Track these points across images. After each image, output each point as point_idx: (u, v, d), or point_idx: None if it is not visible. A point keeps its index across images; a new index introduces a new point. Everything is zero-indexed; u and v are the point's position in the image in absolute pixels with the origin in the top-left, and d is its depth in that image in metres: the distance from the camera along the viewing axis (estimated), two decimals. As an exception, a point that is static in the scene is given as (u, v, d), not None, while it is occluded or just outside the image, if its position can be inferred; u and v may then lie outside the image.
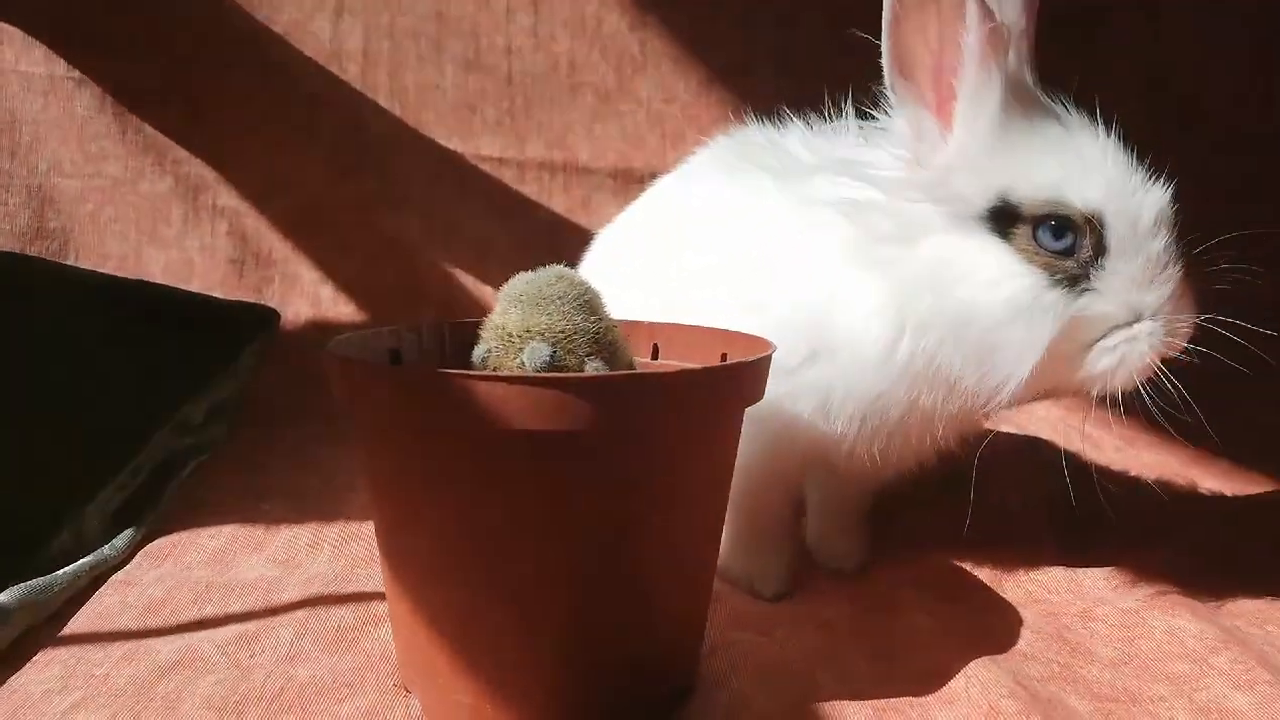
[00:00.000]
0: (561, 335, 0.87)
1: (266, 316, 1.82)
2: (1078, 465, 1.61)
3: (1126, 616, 1.08)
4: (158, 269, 1.90)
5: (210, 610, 1.09)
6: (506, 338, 0.88)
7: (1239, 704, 0.91)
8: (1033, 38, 1.03)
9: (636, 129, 2.05)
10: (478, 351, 0.90)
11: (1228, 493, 1.51)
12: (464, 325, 1.00)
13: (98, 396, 1.44)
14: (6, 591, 1.04)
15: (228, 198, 1.95)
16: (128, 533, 1.26)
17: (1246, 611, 1.12)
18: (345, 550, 1.25)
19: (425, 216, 1.97)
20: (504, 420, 0.74)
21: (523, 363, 0.86)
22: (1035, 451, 1.59)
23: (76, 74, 1.89)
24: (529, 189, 2.03)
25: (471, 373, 0.75)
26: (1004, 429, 1.75)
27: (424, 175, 2.00)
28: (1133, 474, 1.56)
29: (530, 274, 0.92)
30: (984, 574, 1.21)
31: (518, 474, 0.77)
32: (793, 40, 1.98)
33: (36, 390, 1.39)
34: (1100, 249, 0.94)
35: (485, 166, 2.03)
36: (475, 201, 2.00)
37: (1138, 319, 0.95)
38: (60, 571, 1.12)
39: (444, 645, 0.84)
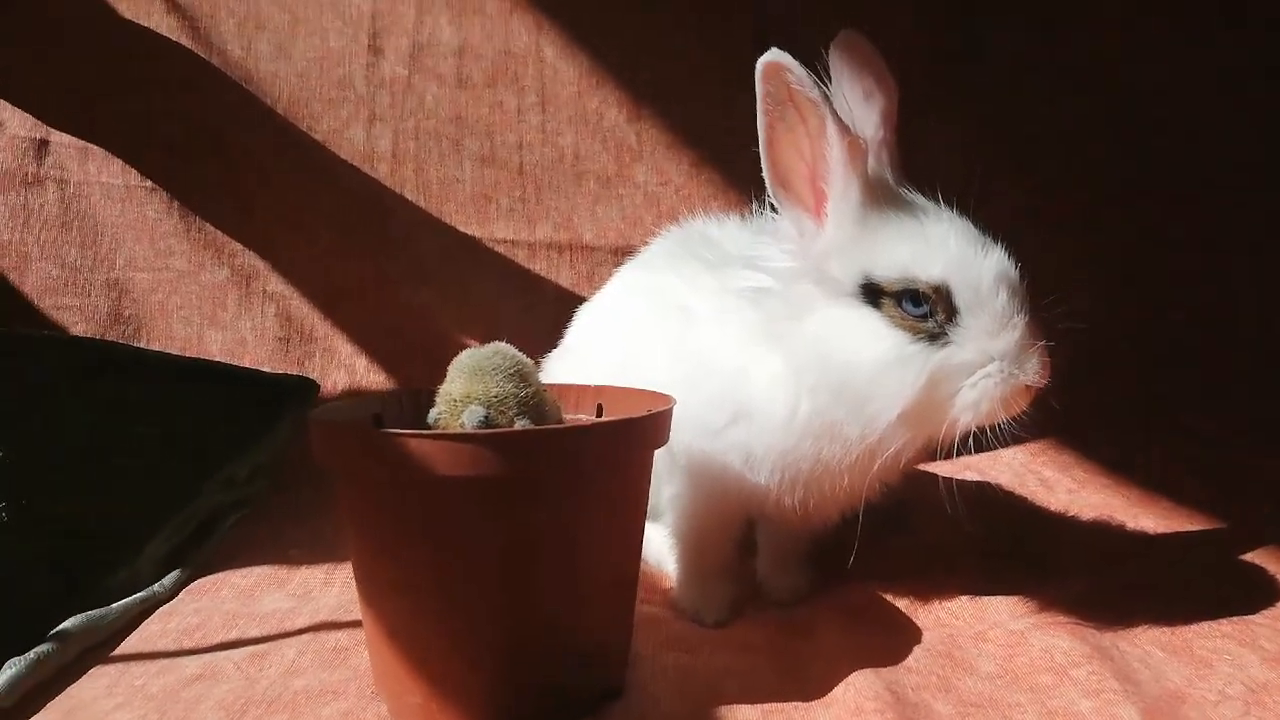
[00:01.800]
0: (495, 400, 1.08)
1: (306, 386, 2.07)
2: (1029, 507, 1.75)
3: (1012, 637, 1.22)
4: (216, 348, 2.18)
5: (234, 635, 1.31)
6: (452, 403, 1.09)
7: (1083, 709, 1.04)
8: (893, 144, 1.22)
9: (635, 210, 2.28)
10: (431, 414, 1.11)
11: (1157, 530, 1.62)
12: (434, 392, 1.21)
13: (160, 457, 1.69)
14: (71, 619, 1.28)
15: (276, 284, 2.23)
16: (175, 573, 1.49)
17: (1135, 634, 1.24)
18: (352, 586, 1.44)
19: (445, 293, 2.22)
20: (433, 469, 0.94)
21: (463, 423, 1.06)
22: (981, 493, 1.73)
23: (149, 183, 2.19)
24: (539, 266, 2.26)
25: (404, 431, 0.96)
26: (967, 475, 1.90)
27: (444, 257, 2.25)
28: (1071, 514, 1.68)
29: (473, 349, 1.13)
30: (903, 603, 1.36)
31: (450, 513, 0.97)
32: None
33: (112, 451, 1.64)
34: (952, 310, 1.11)
35: (500, 249, 2.27)
36: (490, 279, 2.24)
37: (991, 361, 1.11)
38: (115, 605, 1.36)
39: (399, 654, 1.04)
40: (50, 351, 1.83)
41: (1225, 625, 1.23)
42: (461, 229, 2.28)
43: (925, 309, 1.12)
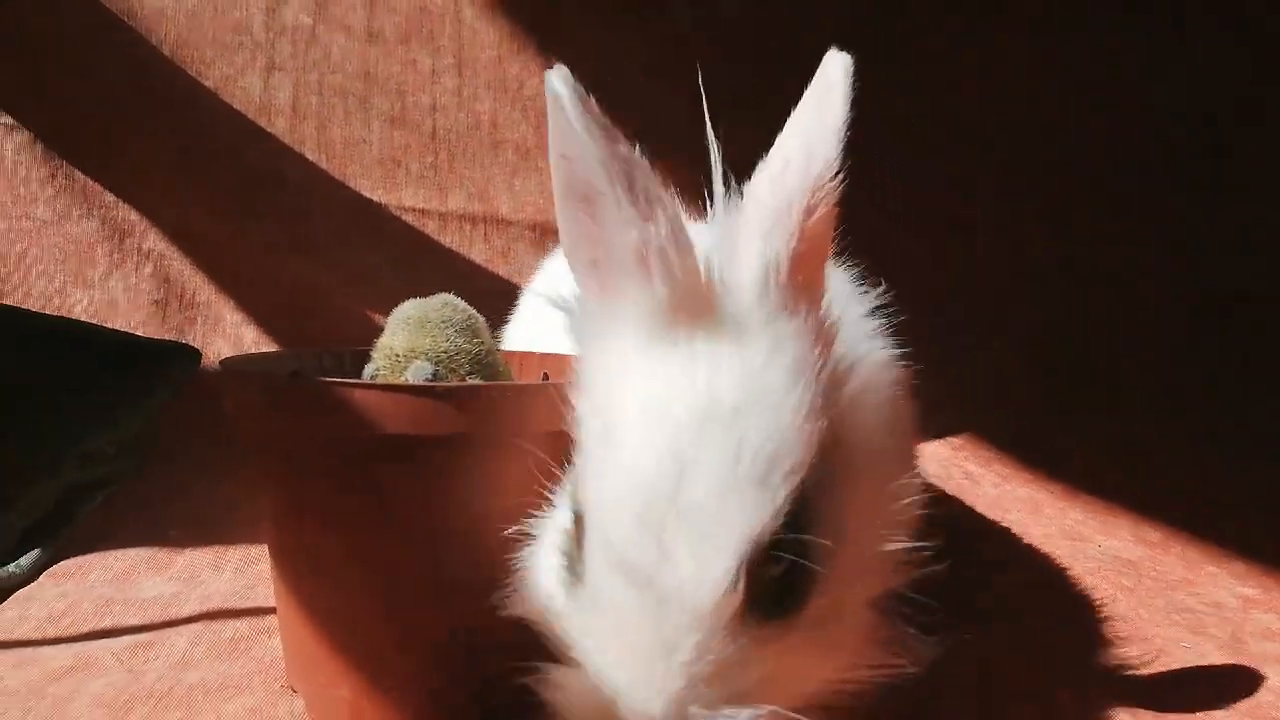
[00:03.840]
0: (444, 355, 0.96)
1: (186, 354, 1.87)
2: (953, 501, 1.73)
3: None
4: (81, 309, 1.94)
5: (109, 622, 1.13)
6: (394, 357, 0.96)
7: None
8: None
9: (554, 185, 2.16)
10: (367, 370, 0.98)
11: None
12: (362, 352, 1.07)
13: (8, 426, 1.48)
14: (-93, 602, 1.08)
15: (154, 241, 2.01)
16: (34, 554, 1.30)
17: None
18: (247, 570, 1.30)
19: (343, 263, 2.05)
20: (382, 425, 0.82)
21: (408, 379, 0.94)
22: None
23: (8, 120, 1.95)
24: (450, 239, 2.12)
25: (346, 380, 0.83)
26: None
27: (347, 223, 2.08)
28: (995, 511, 1.66)
29: (418, 299, 1.00)
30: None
31: (385, 476, 0.85)
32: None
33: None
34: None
35: (408, 217, 2.12)
36: (393, 250, 2.08)
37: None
38: (-38, 587, 1.16)
39: (326, 643, 0.90)
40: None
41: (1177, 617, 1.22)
42: (366, 194, 2.11)
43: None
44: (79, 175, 1.98)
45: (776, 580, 0.65)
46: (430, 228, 2.12)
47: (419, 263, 2.09)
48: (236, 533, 1.41)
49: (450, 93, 2.16)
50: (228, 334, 2.01)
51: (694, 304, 0.70)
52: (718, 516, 0.63)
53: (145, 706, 0.94)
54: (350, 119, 2.12)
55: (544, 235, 2.11)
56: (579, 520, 0.70)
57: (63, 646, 1.07)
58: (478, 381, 0.95)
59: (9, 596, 1.21)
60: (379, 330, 1.01)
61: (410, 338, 0.96)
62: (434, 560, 0.87)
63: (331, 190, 2.08)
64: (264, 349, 2.02)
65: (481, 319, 1.02)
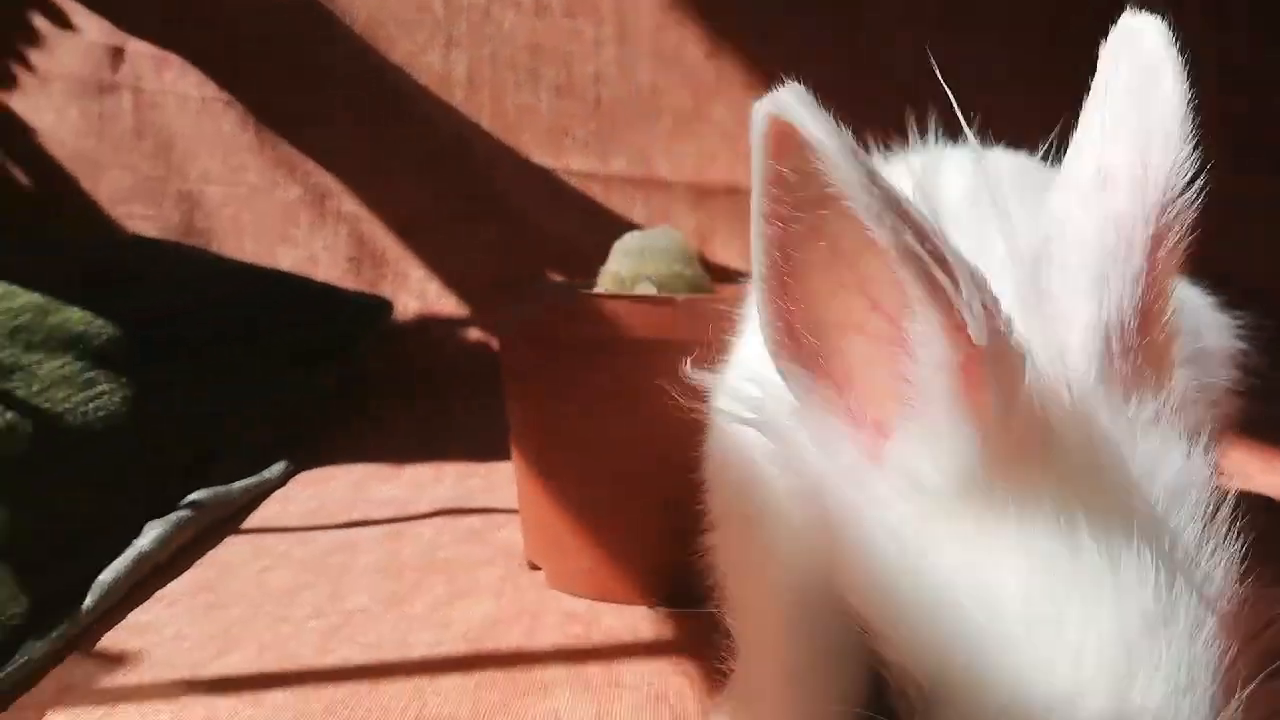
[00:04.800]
0: (665, 279, 1.09)
1: (382, 306, 2.08)
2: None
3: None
4: (287, 265, 2.16)
5: (358, 516, 1.31)
6: (620, 281, 1.10)
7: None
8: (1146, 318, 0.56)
9: (711, 147, 2.28)
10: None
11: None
12: (586, 283, 1.22)
13: (246, 354, 1.70)
14: (199, 491, 1.28)
15: (349, 204, 2.22)
16: (282, 464, 1.50)
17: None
18: (464, 483, 1.47)
19: (519, 225, 2.22)
20: (633, 331, 0.96)
21: (636, 298, 1.08)
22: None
23: (225, 96, 2.18)
24: (614, 202, 2.27)
25: (604, 292, 0.98)
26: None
27: (519, 187, 2.25)
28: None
29: (638, 232, 1.14)
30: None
31: (639, 374, 0.98)
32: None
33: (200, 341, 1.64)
34: None
35: (574, 181, 2.27)
36: (566, 212, 2.24)
37: None
38: (236, 484, 1.36)
39: (568, 523, 1.05)
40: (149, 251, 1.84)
41: None
42: (536, 160, 2.27)
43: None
44: (284, 145, 2.21)
45: None
46: (594, 190, 2.27)
47: (589, 223, 2.24)
48: (442, 453, 1.59)
49: (611, 62, 2.30)
50: (413, 289, 2.21)
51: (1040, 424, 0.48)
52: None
53: (413, 573, 1.11)
54: (521, 89, 2.28)
55: (700, 196, 2.24)
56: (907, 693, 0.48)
57: (328, 532, 1.25)
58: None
59: (268, 497, 1.40)
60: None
61: (635, 264, 1.10)
62: (654, 442, 1.00)
63: (508, 156, 2.25)
64: (445, 301, 2.21)
65: (694, 250, 1.15)
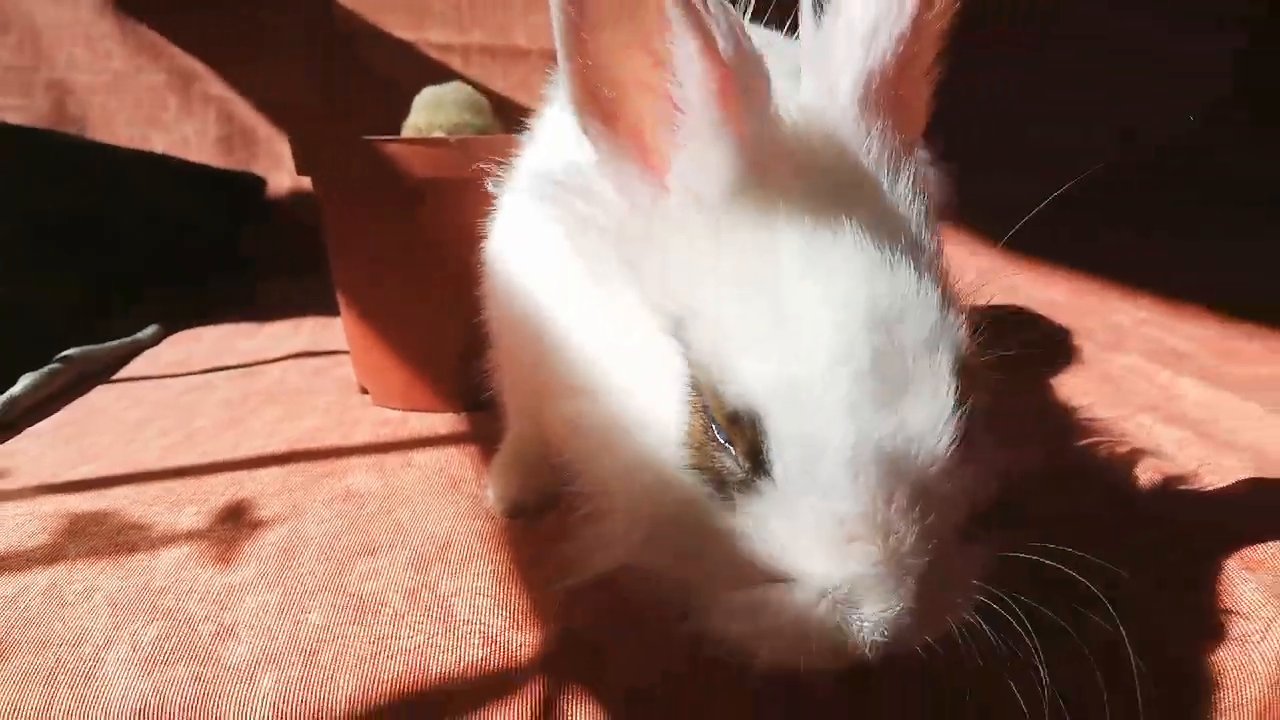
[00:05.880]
0: (454, 127, 1.23)
1: (256, 182, 2.18)
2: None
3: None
4: (160, 149, 2.24)
5: (218, 364, 1.46)
6: (417, 131, 1.24)
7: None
8: (900, 99, 0.68)
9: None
10: (398, 144, 1.25)
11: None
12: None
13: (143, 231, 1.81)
14: (71, 349, 1.41)
15: (216, 87, 2.28)
16: (154, 326, 1.63)
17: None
18: (318, 334, 1.61)
19: (385, 96, 2.30)
20: (412, 170, 1.10)
21: (428, 147, 1.21)
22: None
23: (81, -16, 2.21)
24: (473, 72, 2.36)
25: (383, 137, 1.11)
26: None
27: (383, 61, 2.33)
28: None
29: (435, 86, 1.27)
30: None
31: (422, 210, 1.13)
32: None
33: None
34: (760, 462, 0.59)
35: (434, 53, 2.35)
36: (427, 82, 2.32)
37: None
38: (107, 343, 1.50)
39: (382, 346, 1.21)
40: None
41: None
42: (398, 34, 2.35)
43: (724, 437, 0.59)
44: (144, 30, 2.25)
45: None
46: (455, 62, 2.36)
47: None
48: (305, 310, 1.73)
49: (467, -66, 2.35)
50: (285, 166, 2.29)
51: (801, 140, 0.61)
52: (935, 353, 0.57)
53: (257, 400, 1.27)
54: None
55: (555, 63, 2.34)
56: (741, 421, 0.57)
57: (189, 378, 1.40)
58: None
59: (140, 354, 1.54)
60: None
61: (429, 115, 1.24)
62: (451, 274, 1.16)
63: (367, 31, 2.32)
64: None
65: (486, 101, 1.28)
